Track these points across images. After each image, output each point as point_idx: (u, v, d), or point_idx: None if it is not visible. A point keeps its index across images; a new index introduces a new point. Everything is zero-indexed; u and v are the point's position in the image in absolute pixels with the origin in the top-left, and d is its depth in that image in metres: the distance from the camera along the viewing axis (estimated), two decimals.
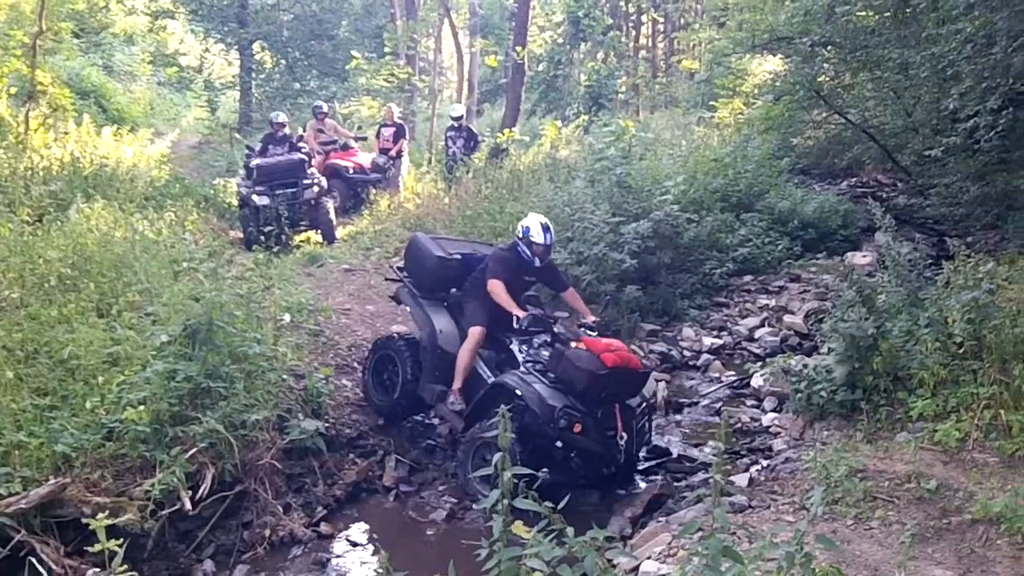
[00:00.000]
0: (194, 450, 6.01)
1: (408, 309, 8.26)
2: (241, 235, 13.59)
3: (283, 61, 27.46)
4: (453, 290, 7.97)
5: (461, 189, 14.71)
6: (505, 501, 3.11)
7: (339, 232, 14.16)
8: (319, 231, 13.76)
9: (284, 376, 7.31)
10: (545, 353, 7.13)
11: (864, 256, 12.54)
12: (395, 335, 8.29)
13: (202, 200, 14.43)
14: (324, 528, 6.52)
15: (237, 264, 10.42)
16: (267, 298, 8.64)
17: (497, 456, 3.20)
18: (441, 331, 7.68)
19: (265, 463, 6.46)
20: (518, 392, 6.72)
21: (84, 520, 5.40)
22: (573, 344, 6.91)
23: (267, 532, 6.22)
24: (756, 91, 22.13)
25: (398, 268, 8.47)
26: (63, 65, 22.50)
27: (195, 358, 6.43)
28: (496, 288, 7.24)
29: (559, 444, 6.56)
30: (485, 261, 7.62)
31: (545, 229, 7.48)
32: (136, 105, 26.56)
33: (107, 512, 5.36)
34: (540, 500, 3.20)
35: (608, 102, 26.13)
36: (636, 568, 5.19)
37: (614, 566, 4.92)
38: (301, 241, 13.41)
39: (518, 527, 3.17)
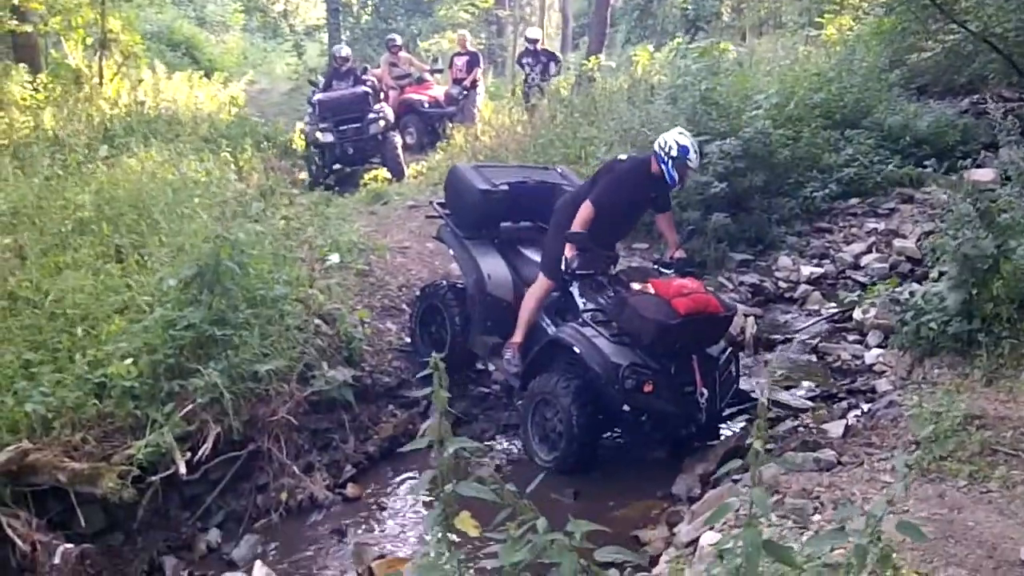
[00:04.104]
0: (191, 406, 5.30)
1: (452, 252, 7.32)
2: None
3: (369, 1, 26.94)
4: (504, 224, 7.09)
5: (535, 117, 13.76)
6: (448, 486, 2.22)
7: (411, 168, 13.47)
8: (387, 167, 13.09)
9: (316, 321, 6.57)
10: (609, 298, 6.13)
11: (986, 173, 11.20)
12: (442, 282, 7.40)
13: (263, 140, 13.80)
14: (350, 490, 5.80)
15: (297, 204, 9.77)
16: (310, 236, 7.95)
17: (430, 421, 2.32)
18: (490, 276, 6.77)
19: (280, 419, 5.71)
20: (576, 350, 5.81)
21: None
22: (637, 287, 5.98)
23: (283, 496, 5.52)
24: (866, 4, 20.49)
25: (439, 204, 7.54)
26: (155, 18, 22.33)
27: (202, 303, 5.72)
28: (585, 214, 6.13)
29: (626, 408, 5.67)
30: (593, 178, 6.58)
31: (699, 150, 6.42)
32: (229, 55, 26.37)
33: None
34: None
35: (707, 25, 24.56)
36: (696, 540, 4.32)
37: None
38: (370, 179, 12.75)
39: (463, 520, 2.29)
